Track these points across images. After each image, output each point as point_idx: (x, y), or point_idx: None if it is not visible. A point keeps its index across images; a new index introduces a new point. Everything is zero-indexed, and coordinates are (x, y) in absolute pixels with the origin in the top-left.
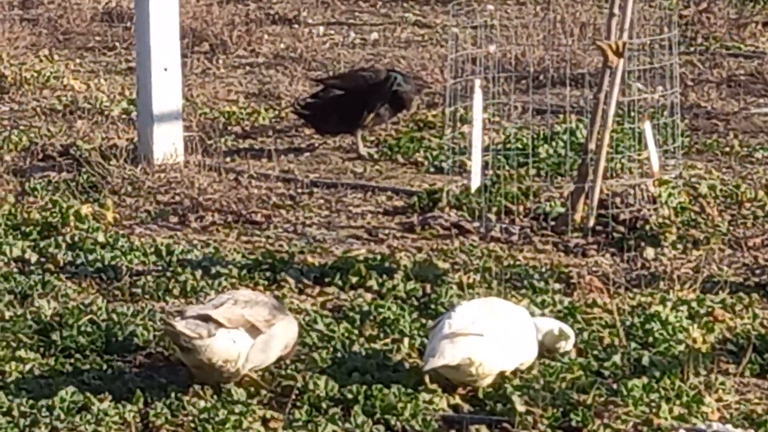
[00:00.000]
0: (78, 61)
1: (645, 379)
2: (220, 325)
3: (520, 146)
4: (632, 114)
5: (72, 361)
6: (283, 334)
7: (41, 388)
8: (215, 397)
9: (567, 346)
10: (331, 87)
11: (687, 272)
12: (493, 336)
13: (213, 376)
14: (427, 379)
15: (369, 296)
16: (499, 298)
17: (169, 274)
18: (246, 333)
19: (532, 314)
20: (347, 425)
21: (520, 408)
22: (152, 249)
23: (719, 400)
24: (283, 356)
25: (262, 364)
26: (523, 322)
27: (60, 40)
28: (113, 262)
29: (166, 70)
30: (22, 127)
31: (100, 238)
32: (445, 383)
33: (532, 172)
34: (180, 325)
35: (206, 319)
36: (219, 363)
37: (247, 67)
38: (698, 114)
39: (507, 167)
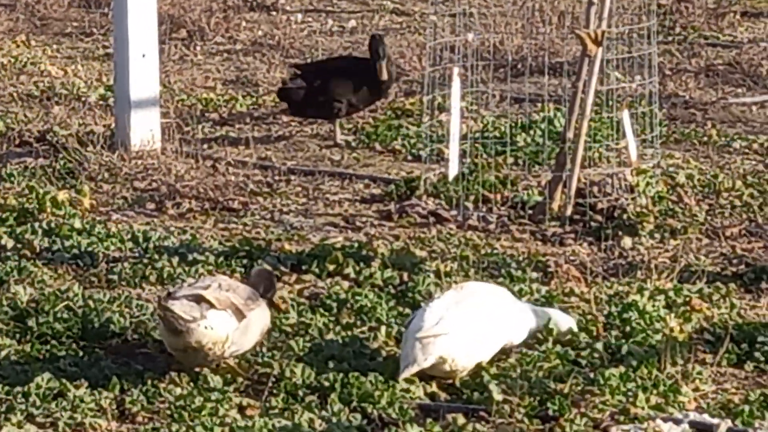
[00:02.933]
0: (55, 46)
1: (622, 369)
2: (211, 306)
3: (497, 135)
4: (610, 103)
5: (48, 347)
6: (260, 321)
7: (17, 375)
8: (192, 384)
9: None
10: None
11: (664, 261)
12: (462, 332)
13: (195, 360)
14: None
15: (346, 284)
16: (476, 282)
17: (145, 260)
18: (232, 315)
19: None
20: (324, 413)
21: (497, 397)
22: (129, 236)
23: (696, 389)
24: (257, 342)
25: (242, 348)
26: (500, 306)
27: (37, 26)
28: (90, 249)
29: (143, 56)
30: None
31: (77, 224)
32: (422, 374)
33: (510, 160)
34: (177, 307)
35: (198, 300)
36: (208, 345)
37: (225, 54)
38: (676, 103)
39: (485, 156)
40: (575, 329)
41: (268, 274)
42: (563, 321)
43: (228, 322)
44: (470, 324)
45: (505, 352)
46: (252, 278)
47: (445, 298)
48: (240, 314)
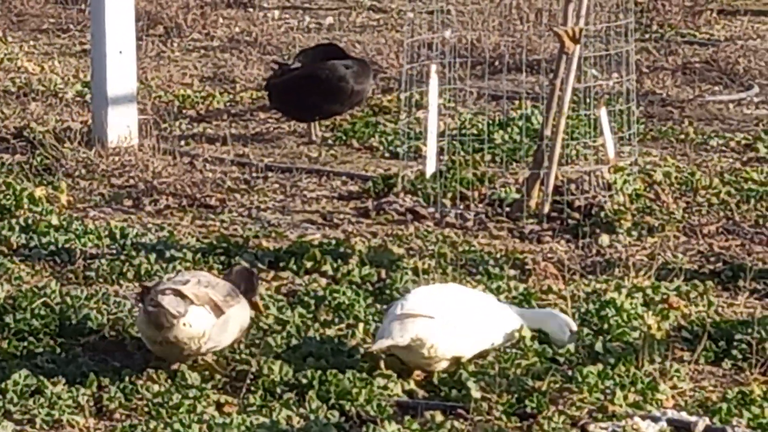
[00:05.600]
0: (32, 43)
1: (600, 366)
2: (190, 301)
3: (475, 132)
4: (588, 100)
5: (25, 344)
6: (239, 318)
7: None
8: (169, 381)
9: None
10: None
11: (642, 259)
12: (445, 319)
13: (171, 354)
14: (382, 364)
15: (324, 281)
16: (461, 285)
17: (123, 257)
18: (210, 311)
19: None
20: (302, 410)
21: (476, 394)
22: (106, 232)
23: (674, 387)
24: (236, 339)
25: (220, 345)
26: (486, 310)
27: (14, 22)
28: (67, 245)
29: (120, 52)
30: None
31: (54, 221)
32: (401, 368)
33: (488, 158)
34: (165, 301)
35: (178, 294)
36: (184, 340)
37: (202, 51)
38: (653, 101)
39: (462, 153)
40: (574, 329)
41: (249, 274)
42: (562, 324)
43: (206, 318)
44: (455, 314)
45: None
46: (232, 277)
47: (431, 287)
48: (218, 310)
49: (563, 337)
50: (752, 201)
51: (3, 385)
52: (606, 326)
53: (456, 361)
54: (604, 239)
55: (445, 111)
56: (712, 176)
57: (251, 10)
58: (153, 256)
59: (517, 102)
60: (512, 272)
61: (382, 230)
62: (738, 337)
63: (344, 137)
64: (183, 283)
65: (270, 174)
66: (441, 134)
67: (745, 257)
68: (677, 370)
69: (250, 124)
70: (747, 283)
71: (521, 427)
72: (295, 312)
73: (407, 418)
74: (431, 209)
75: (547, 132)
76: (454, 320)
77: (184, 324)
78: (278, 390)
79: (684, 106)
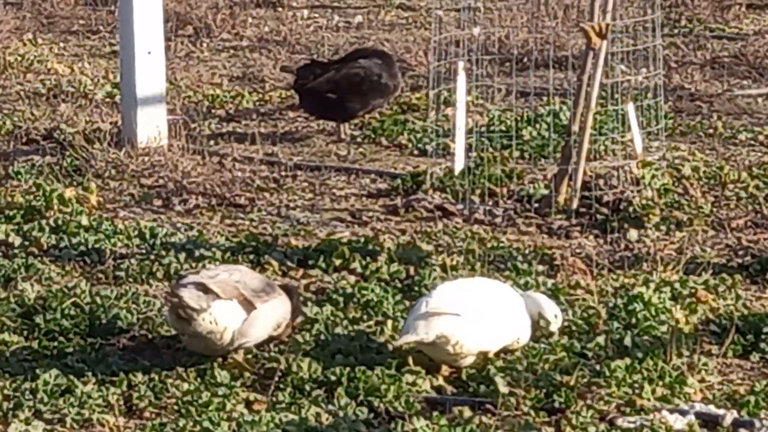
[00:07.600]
0: (62, 44)
1: (628, 360)
2: (215, 295)
3: (503, 128)
4: (615, 96)
5: (55, 344)
6: (274, 313)
7: (24, 371)
8: (199, 379)
9: (553, 326)
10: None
11: (670, 253)
12: (470, 315)
13: (199, 346)
14: (410, 360)
15: (352, 278)
16: (485, 277)
17: (152, 257)
18: (239, 306)
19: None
20: (330, 407)
21: (503, 389)
22: (136, 232)
23: (702, 380)
24: (277, 336)
25: (252, 340)
26: (510, 302)
27: (44, 24)
28: (97, 246)
29: (149, 53)
30: (5, 111)
31: (84, 221)
32: (429, 365)
33: (516, 154)
34: (185, 295)
35: (203, 288)
36: (210, 334)
37: (231, 51)
38: (682, 96)
39: (491, 149)
40: (555, 320)
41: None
42: (548, 309)
43: (233, 312)
44: (482, 310)
45: (509, 350)
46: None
47: (457, 282)
48: (249, 305)
49: (553, 325)
50: None
51: (33, 385)
52: (634, 320)
53: (483, 356)
54: (633, 234)
55: (473, 108)
56: (741, 170)
57: (280, 9)
58: (182, 256)
59: (545, 98)
60: (541, 268)
61: (411, 227)
62: (766, 330)
63: (373, 135)
64: (212, 276)
65: (299, 172)
66: (469, 131)
67: None
68: (705, 364)
69: (279, 123)
70: None
71: (549, 422)
72: (323, 309)
73: (435, 413)
74: (460, 206)
75: (575, 128)
76: (479, 315)
77: (207, 318)
78: (307, 387)
79: (712, 100)
